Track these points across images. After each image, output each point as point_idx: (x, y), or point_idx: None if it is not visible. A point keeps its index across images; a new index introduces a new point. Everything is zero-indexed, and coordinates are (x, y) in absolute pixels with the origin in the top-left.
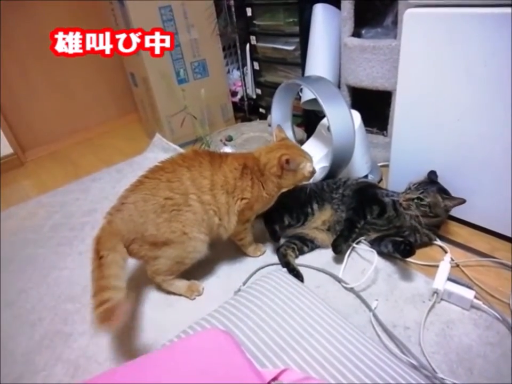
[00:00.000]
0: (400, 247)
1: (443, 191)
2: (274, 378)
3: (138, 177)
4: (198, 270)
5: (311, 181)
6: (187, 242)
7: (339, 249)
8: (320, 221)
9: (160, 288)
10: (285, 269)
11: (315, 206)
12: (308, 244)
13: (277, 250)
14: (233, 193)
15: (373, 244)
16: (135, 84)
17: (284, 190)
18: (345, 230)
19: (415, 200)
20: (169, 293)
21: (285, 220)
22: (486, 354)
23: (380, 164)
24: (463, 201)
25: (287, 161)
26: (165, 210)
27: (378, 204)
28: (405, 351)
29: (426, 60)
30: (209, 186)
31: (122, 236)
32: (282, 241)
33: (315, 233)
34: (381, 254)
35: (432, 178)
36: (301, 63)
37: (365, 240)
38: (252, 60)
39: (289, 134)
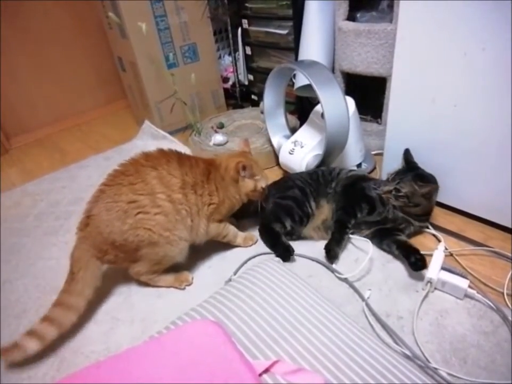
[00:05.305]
0: (410, 259)
1: (419, 178)
2: (266, 370)
3: (98, 186)
4: (188, 261)
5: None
6: (157, 249)
7: (332, 253)
8: (319, 220)
9: (148, 285)
10: (277, 258)
11: (313, 205)
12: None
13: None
14: (202, 196)
15: (372, 239)
16: (123, 68)
17: (245, 200)
18: (336, 232)
19: (393, 192)
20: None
21: (286, 224)
22: (480, 343)
23: (373, 152)
24: (435, 187)
25: (244, 167)
26: (129, 215)
27: (367, 201)
28: (398, 340)
29: (423, 44)
30: (179, 185)
31: (95, 248)
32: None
33: (311, 233)
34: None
35: (409, 160)
36: (294, 48)
37: (360, 236)
38: (244, 44)
39: (282, 121)
